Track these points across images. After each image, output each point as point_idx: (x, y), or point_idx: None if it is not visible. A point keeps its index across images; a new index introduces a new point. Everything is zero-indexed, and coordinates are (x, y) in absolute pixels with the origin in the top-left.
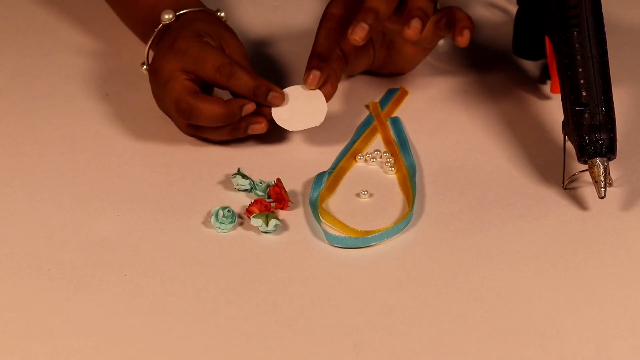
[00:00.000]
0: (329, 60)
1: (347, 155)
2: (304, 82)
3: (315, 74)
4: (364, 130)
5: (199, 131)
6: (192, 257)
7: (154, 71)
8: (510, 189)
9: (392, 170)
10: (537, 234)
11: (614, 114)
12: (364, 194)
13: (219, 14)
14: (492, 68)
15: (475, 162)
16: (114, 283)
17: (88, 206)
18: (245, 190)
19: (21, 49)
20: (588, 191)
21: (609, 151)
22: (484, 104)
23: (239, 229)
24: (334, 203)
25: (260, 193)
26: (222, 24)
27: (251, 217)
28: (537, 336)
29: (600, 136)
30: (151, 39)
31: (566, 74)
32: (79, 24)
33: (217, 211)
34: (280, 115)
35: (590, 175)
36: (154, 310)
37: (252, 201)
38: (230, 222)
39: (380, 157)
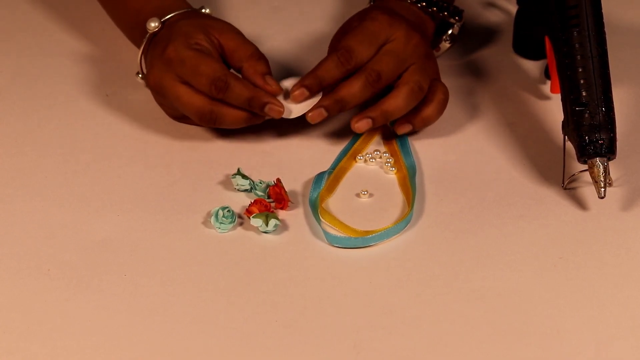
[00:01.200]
0: (324, 87)
1: (347, 155)
2: (290, 94)
3: (303, 92)
4: None
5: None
6: (192, 257)
7: (154, 86)
8: (510, 189)
9: (392, 170)
10: (537, 234)
11: (614, 114)
12: (364, 194)
13: (203, 10)
14: (492, 68)
15: (475, 162)
16: (114, 283)
17: (88, 206)
18: (245, 190)
19: (21, 50)
20: (588, 191)
21: (609, 151)
22: (484, 104)
23: (239, 229)
24: (334, 203)
25: (260, 193)
26: (206, 16)
27: (251, 217)
28: (537, 336)
29: (600, 136)
30: (141, 49)
31: (566, 74)
32: (79, 25)
33: (217, 211)
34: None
35: (590, 175)
36: (154, 310)
37: (252, 201)
38: (230, 222)
39: (380, 157)
